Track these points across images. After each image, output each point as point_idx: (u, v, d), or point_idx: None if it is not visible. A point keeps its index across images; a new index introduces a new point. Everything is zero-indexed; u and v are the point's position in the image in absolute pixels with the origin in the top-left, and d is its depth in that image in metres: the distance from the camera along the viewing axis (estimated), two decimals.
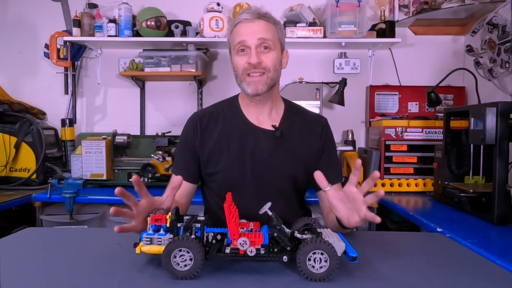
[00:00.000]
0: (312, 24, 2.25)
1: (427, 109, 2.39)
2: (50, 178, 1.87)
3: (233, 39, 1.18)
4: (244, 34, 1.14)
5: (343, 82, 2.29)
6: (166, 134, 2.11)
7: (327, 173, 1.25)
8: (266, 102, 1.22)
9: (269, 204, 0.86)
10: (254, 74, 1.14)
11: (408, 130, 2.05)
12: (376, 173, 0.88)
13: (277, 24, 1.19)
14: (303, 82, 2.27)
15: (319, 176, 0.92)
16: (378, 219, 0.87)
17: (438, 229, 1.27)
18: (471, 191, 1.50)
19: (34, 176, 2.04)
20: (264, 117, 1.24)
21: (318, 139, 1.26)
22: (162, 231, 0.81)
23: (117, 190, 0.83)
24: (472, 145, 1.67)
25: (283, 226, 0.83)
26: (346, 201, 0.93)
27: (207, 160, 1.23)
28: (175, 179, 0.93)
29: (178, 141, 1.31)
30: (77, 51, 2.39)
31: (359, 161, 0.89)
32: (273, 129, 1.22)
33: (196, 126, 1.24)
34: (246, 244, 0.78)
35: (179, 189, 1.24)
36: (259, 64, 1.13)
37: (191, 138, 1.24)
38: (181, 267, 0.76)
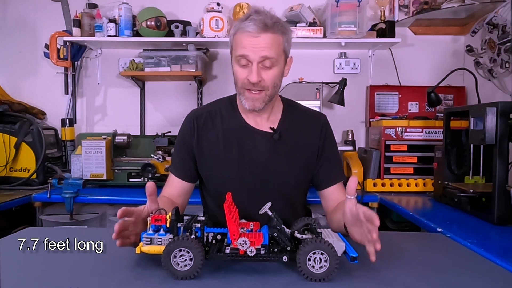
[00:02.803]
0: (312, 24, 2.25)
1: (427, 109, 2.39)
2: (50, 178, 1.87)
3: (235, 47, 1.12)
4: (247, 48, 1.07)
5: (343, 82, 2.29)
6: (166, 134, 2.10)
7: (329, 172, 1.25)
8: (264, 111, 1.20)
9: (269, 204, 0.86)
10: (253, 91, 1.11)
11: (408, 130, 2.05)
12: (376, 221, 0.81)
13: (285, 34, 1.11)
14: (303, 82, 2.27)
15: (352, 183, 0.86)
16: (373, 259, 0.82)
17: (438, 229, 1.27)
18: (471, 191, 1.50)
19: (34, 176, 2.04)
20: (263, 120, 1.23)
21: (317, 138, 1.24)
22: (162, 231, 0.81)
23: (120, 213, 0.86)
24: (472, 145, 1.67)
25: (283, 226, 0.83)
26: (356, 219, 0.87)
27: (204, 161, 1.22)
28: (148, 185, 0.89)
29: (176, 137, 1.31)
30: (77, 51, 2.39)
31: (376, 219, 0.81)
32: (271, 131, 1.21)
33: (193, 126, 1.22)
34: (246, 244, 0.78)
35: (175, 188, 1.23)
36: (259, 82, 1.10)
37: (188, 137, 1.23)
38: (181, 267, 0.76)
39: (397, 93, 2.41)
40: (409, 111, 2.40)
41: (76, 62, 2.43)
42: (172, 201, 1.19)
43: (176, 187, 1.24)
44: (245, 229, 0.85)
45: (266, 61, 1.08)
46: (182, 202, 1.24)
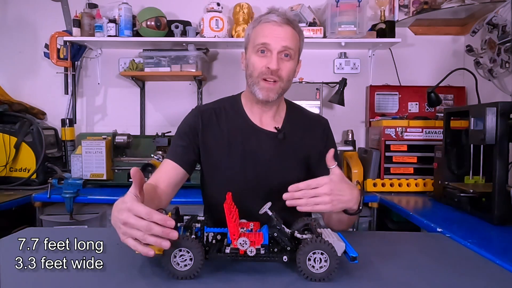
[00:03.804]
0: (312, 24, 2.25)
1: (427, 109, 2.39)
2: (50, 178, 1.87)
3: (255, 37, 1.14)
4: (269, 36, 1.11)
5: (343, 82, 2.29)
6: (166, 134, 2.11)
7: (327, 173, 1.25)
8: (271, 107, 1.22)
9: (269, 204, 0.86)
10: (269, 80, 1.13)
11: (408, 130, 2.05)
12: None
13: (301, 33, 1.18)
14: (303, 82, 2.27)
15: (329, 153, 0.99)
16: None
17: (438, 229, 1.27)
18: (471, 191, 1.50)
19: (34, 176, 2.04)
20: (267, 119, 1.23)
21: (319, 140, 1.26)
22: None
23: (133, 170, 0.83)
24: (472, 145, 1.67)
25: (283, 226, 0.83)
26: None
27: (207, 157, 1.22)
28: (133, 170, 0.84)
29: (177, 130, 1.26)
30: (77, 51, 2.39)
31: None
32: (276, 131, 1.22)
33: (199, 120, 1.21)
34: (246, 244, 0.78)
35: (167, 175, 1.15)
36: (277, 71, 1.12)
37: (193, 129, 1.21)
38: (181, 267, 0.76)
39: (397, 93, 2.41)
40: (409, 111, 2.40)
41: (76, 62, 2.43)
42: (155, 188, 1.10)
43: (167, 173, 1.16)
44: (245, 229, 0.85)
45: (286, 52, 1.12)
46: (167, 191, 1.13)
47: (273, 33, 1.11)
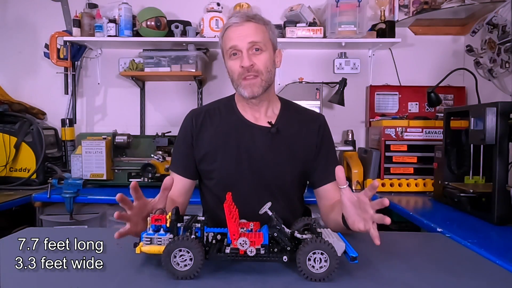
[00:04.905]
0: (312, 24, 2.25)
1: (427, 109, 2.39)
2: (50, 178, 1.87)
3: (225, 44, 1.20)
4: (234, 38, 1.16)
5: (343, 82, 2.29)
6: (166, 134, 2.11)
7: (325, 170, 1.25)
8: (262, 104, 1.24)
9: (269, 204, 0.86)
10: (248, 77, 1.16)
11: (408, 130, 2.05)
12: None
13: (267, 24, 1.20)
14: (303, 82, 2.27)
15: (339, 172, 0.89)
16: (377, 242, 0.85)
17: (438, 229, 1.27)
18: (471, 191, 1.50)
19: (34, 176, 2.04)
20: (261, 116, 1.25)
21: (315, 136, 1.26)
22: (162, 231, 0.81)
23: (118, 196, 0.84)
24: (472, 145, 1.67)
25: (283, 226, 0.83)
26: (357, 206, 0.91)
27: (202, 157, 1.24)
28: (166, 179, 0.91)
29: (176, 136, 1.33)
30: (77, 51, 2.39)
31: (376, 183, 0.87)
32: (269, 126, 1.23)
33: (192, 124, 1.25)
34: (246, 244, 0.78)
35: (176, 187, 1.24)
36: (252, 67, 1.14)
37: (188, 135, 1.26)
38: (181, 267, 0.76)
39: (397, 93, 2.41)
40: (409, 111, 2.40)
41: (76, 62, 2.43)
42: (172, 200, 1.19)
43: (176, 186, 1.23)
44: (245, 229, 0.85)
45: (255, 46, 1.15)
46: (183, 201, 1.24)
47: (236, 34, 1.16)
